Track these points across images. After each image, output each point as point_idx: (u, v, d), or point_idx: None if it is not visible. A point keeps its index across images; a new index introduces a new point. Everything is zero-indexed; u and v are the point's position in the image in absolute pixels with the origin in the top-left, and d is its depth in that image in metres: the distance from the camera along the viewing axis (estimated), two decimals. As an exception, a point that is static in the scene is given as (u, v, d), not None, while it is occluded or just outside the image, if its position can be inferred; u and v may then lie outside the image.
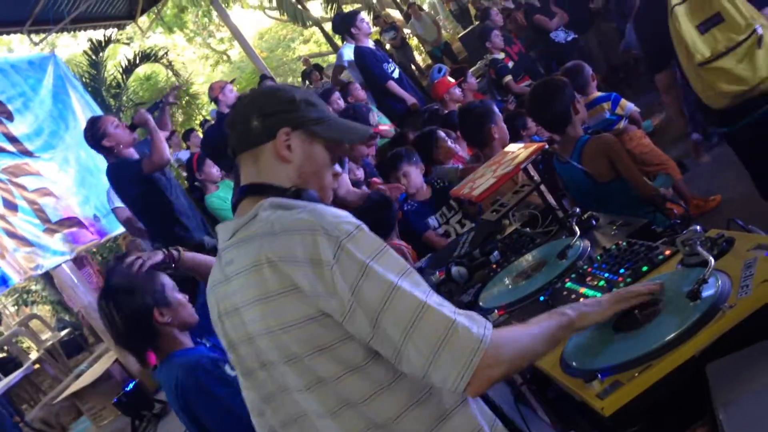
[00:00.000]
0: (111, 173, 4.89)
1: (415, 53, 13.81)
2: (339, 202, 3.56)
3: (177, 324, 2.30)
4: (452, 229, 4.03)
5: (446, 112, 5.59)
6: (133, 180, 4.76)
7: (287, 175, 1.53)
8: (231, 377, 2.17)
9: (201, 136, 8.83)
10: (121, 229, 6.90)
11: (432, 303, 1.32)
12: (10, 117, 6.72)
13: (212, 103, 7.32)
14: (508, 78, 6.95)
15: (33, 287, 12.79)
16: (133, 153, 4.89)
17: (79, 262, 7.78)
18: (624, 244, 1.96)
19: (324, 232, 1.34)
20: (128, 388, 6.17)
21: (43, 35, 9.98)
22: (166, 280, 2.35)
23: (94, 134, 4.75)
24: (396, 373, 1.39)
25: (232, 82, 7.23)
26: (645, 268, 1.77)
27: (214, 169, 6.07)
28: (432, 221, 4.02)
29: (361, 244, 1.35)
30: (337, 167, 1.66)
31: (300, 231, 1.36)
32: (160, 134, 4.79)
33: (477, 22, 10.93)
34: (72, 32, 11.51)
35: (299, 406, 1.45)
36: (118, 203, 5.55)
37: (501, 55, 7.23)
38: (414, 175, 4.06)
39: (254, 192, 1.53)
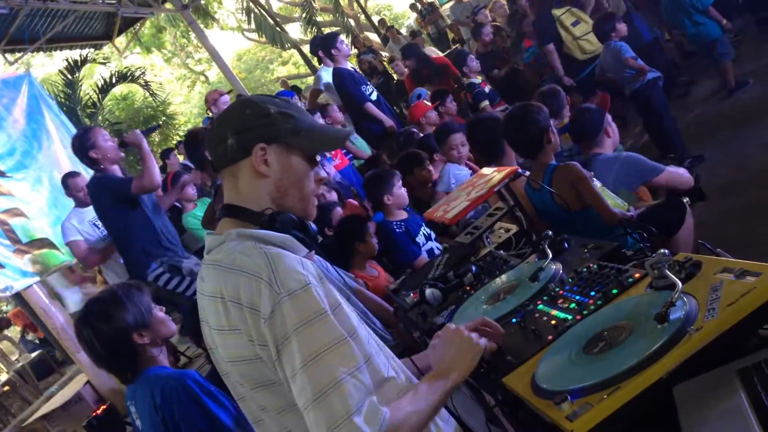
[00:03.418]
0: (94, 185, 4.83)
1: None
2: None
3: (157, 342, 2.37)
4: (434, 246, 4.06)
5: (422, 135, 5.63)
6: (116, 197, 4.71)
7: (266, 190, 1.55)
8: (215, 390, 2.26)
9: (178, 156, 8.80)
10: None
11: (342, 387, 1.31)
12: (-18, 136, 6.67)
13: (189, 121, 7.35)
14: (485, 103, 7.03)
15: (4, 307, 12.59)
16: (116, 170, 4.85)
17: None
18: (595, 266, 1.98)
19: (267, 283, 1.36)
20: (99, 411, 6.07)
21: (18, 54, 9.92)
22: (146, 300, 2.39)
23: (83, 144, 4.71)
24: None
25: (229, 92, 7.28)
26: (615, 291, 1.78)
27: (188, 188, 6.04)
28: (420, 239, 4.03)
29: (299, 306, 1.36)
30: (322, 171, 1.65)
31: (249, 274, 1.38)
32: (153, 159, 4.75)
33: (455, 46, 11.05)
34: (48, 52, 11.45)
35: (258, 414, 1.52)
36: (73, 237, 5.47)
37: (478, 80, 7.31)
38: (400, 194, 4.08)
39: (231, 214, 1.56)
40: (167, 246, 4.86)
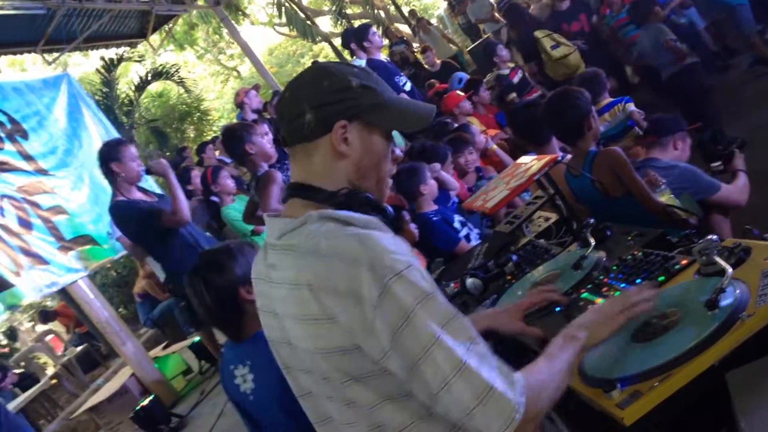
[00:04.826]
0: (119, 213, 4.58)
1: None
2: None
3: None
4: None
5: (456, 125, 5.61)
6: (142, 227, 4.55)
7: (344, 171, 1.43)
8: None
9: (214, 149, 8.87)
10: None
11: (471, 363, 1.22)
12: (25, 135, 6.78)
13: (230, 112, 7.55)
14: (512, 95, 7.01)
15: (49, 303, 12.86)
16: (133, 191, 4.58)
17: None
18: (640, 254, 1.97)
19: (369, 267, 1.24)
20: (145, 403, 6.19)
21: (56, 54, 10.09)
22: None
23: (110, 153, 4.50)
24: None
25: (255, 87, 7.38)
26: (662, 278, 1.77)
27: (228, 181, 6.08)
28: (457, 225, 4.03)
29: (408, 286, 1.25)
30: (398, 151, 1.52)
31: (345, 260, 1.27)
32: (181, 191, 4.54)
33: (486, 35, 10.97)
34: (84, 51, 11.63)
35: (329, 412, 1.43)
36: None
37: (507, 71, 7.27)
38: (432, 185, 4.09)
39: (301, 194, 1.44)
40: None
